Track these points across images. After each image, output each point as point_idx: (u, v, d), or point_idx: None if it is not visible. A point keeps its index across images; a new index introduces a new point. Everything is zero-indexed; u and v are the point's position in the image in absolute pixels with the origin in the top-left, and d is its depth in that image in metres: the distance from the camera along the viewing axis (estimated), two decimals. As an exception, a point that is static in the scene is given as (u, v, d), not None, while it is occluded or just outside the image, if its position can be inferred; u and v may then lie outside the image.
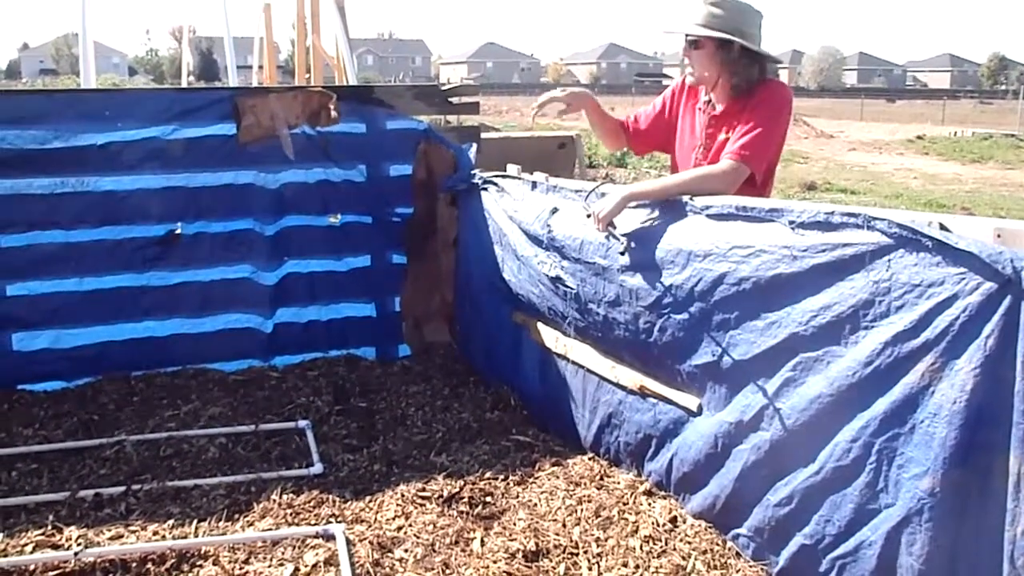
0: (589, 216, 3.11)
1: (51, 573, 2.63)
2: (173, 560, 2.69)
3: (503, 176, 4.05)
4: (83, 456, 3.47)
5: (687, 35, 3.17)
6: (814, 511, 2.38)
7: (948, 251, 2.00)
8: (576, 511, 2.97)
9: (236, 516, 2.98)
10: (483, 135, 5.14)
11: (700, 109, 3.31)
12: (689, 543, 2.77)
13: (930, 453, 2.04)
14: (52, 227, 4.09)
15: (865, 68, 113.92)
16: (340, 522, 2.91)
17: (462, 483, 3.18)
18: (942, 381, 2.02)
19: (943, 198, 14.19)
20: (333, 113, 4.32)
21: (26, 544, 2.77)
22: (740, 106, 3.13)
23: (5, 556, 2.72)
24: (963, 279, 1.97)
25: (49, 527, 2.87)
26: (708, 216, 2.75)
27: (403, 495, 3.10)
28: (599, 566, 2.68)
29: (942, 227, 2.04)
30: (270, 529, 2.87)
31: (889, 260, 2.14)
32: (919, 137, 28.04)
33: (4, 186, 4.01)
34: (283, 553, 2.72)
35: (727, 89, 3.17)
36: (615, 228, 3.04)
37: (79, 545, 2.76)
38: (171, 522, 2.93)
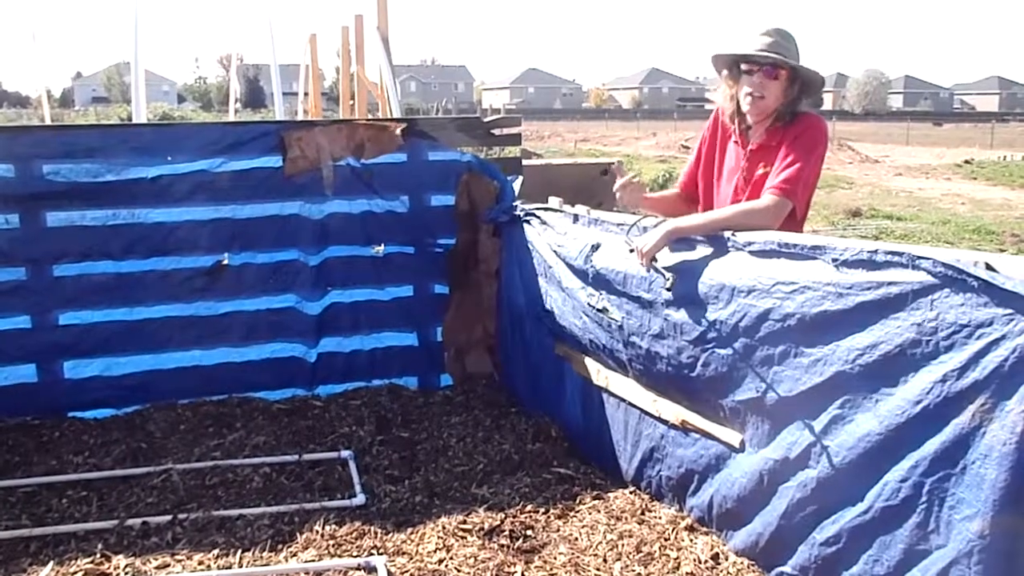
0: (632, 251, 3.11)
1: (99, 602, 2.68)
2: (218, 591, 2.73)
3: (545, 208, 4.06)
4: (131, 484, 3.53)
5: (781, 63, 3.05)
6: (863, 550, 2.35)
7: (995, 291, 1.98)
8: (617, 546, 2.96)
9: (280, 547, 3.01)
10: (524, 161, 5.17)
11: (735, 143, 3.29)
12: (732, 581, 2.74)
13: (981, 495, 2.01)
14: (104, 258, 4.20)
15: (911, 91, 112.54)
16: (382, 554, 2.92)
17: (503, 516, 3.18)
18: (993, 422, 1.98)
19: (992, 224, 13.91)
20: (399, 140, 4.41)
21: (75, 572, 2.84)
22: (778, 139, 3.11)
23: (55, 584, 2.77)
24: (1012, 320, 1.94)
25: (98, 555, 2.93)
26: (750, 252, 2.74)
27: (444, 527, 3.11)
28: (641, 603, 2.65)
29: (988, 267, 2.01)
30: (313, 560, 2.89)
31: (934, 300, 2.12)
32: (967, 161, 27.56)
33: (59, 218, 4.13)
34: (326, 585, 2.74)
35: (773, 121, 3.15)
36: (657, 263, 3.04)
37: (127, 574, 2.81)
38: (216, 552, 2.97)
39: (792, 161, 3.00)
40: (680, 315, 2.98)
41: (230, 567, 2.87)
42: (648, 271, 3.09)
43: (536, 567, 2.85)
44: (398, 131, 4.45)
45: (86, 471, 3.64)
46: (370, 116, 8.23)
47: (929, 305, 2.13)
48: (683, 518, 3.11)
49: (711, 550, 2.89)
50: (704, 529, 3.03)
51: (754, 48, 3.09)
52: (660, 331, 3.10)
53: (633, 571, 2.80)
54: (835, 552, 2.44)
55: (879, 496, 2.28)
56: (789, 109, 3.12)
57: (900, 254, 2.23)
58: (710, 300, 2.84)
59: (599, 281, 3.45)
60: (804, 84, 3.11)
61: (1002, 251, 10.83)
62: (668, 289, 3.00)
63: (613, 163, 3.74)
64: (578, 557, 2.89)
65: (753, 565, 2.79)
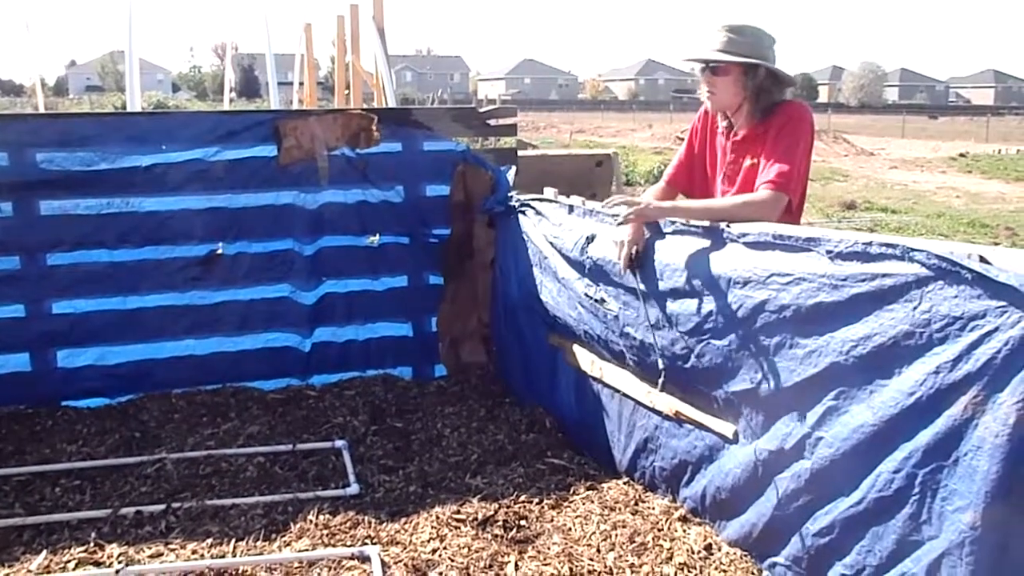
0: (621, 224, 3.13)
1: (93, 590, 2.68)
2: (211, 579, 2.73)
3: (540, 199, 4.06)
4: (125, 473, 3.53)
5: (712, 61, 3.11)
6: (856, 541, 2.36)
7: (989, 284, 1.97)
8: (611, 536, 2.97)
9: (273, 536, 3.02)
10: (520, 152, 5.16)
11: (721, 134, 3.29)
12: (724, 571, 2.75)
13: (973, 486, 2.01)
14: (97, 247, 4.18)
15: (907, 84, 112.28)
16: (375, 544, 2.92)
17: (497, 506, 3.19)
18: (985, 414, 1.99)
19: (986, 217, 13.95)
20: (375, 135, 4.38)
21: (69, 561, 2.83)
22: (762, 130, 3.11)
23: (49, 573, 2.78)
24: (1005, 312, 1.94)
25: (91, 544, 2.93)
26: (745, 244, 2.74)
27: (438, 517, 3.11)
28: (634, 593, 2.66)
29: (982, 259, 2.01)
30: (306, 550, 2.89)
31: (928, 292, 2.12)
32: (962, 155, 27.60)
33: (52, 206, 4.11)
34: (319, 574, 2.75)
35: (749, 114, 3.15)
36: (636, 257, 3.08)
37: (120, 563, 2.81)
38: (209, 541, 2.97)
39: (782, 154, 3.00)
40: (675, 306, 2.98)
41: (223, 556, 2.87)
42: (631, 263, 3.12)
43: (529, 557, 2.86)
44: (373, 126, 4.41)
45: (80, 460, 3.64)
46: (365, 106, 8.21)
47: (923, 297, 2.13)
48: (676, 509, 3.11)
49: (704, 540, 2.90)
50: (697, 520, 3.04)
51: (708, 47, 3.12)
52: (655, 322, 3.10)
53: (626, 561, 2.81)
54: (828, 543, 2.45)
55: (872, 487, 2.28)
56: (761, 103, 3.12)
57: (894, 246, 2.23)
58: (705, 291, 2.84)
59: (595, 272, 3.45)
60: (770, 75, 3.10)
61: (996, 244, 10.86)
62: (635, 274, 3.09)
63: (609, 152, 3.74)
64: (571, 547, 2.90)
65: (746, 556, 2.80)
